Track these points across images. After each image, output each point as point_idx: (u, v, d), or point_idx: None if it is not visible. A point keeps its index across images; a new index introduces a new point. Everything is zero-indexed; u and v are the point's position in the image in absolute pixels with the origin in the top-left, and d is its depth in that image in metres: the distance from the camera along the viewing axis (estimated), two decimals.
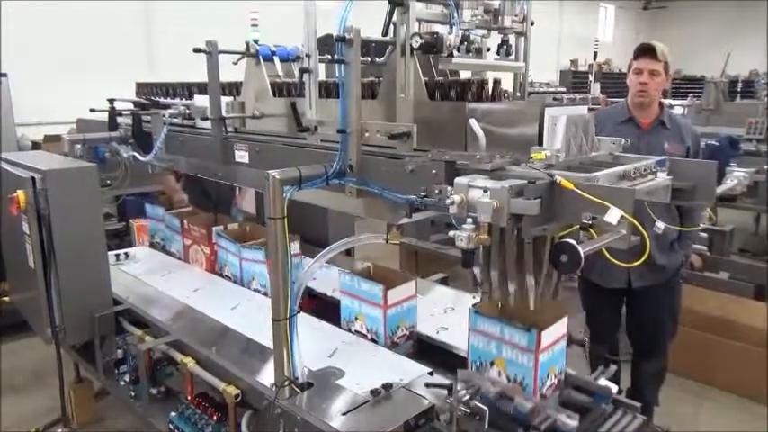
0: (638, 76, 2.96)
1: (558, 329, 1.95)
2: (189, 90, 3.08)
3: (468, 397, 1.79)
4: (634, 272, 3.02)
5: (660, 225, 1.63)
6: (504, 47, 1.96)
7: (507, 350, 1.91)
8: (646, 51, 2.96)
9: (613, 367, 1.99)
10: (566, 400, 1.94)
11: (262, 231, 3.13)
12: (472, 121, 1.69)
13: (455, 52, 1.78)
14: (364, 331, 2.40)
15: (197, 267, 3.37)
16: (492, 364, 1.96)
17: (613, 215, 1.27)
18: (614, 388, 1.90)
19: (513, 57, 2.03)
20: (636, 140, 2.85)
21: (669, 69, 3.02)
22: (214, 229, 3.24)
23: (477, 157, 1.59)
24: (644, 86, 2.94)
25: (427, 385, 1.95)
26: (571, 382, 2.02)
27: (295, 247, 2.81)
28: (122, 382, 2.82)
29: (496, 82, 1.94)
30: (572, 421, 1.74)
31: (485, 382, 1.86)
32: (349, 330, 2.46)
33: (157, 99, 3.24)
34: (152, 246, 3.86)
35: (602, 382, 1.95)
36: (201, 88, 2.78)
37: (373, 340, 2.37)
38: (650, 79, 2.93)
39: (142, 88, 3.57)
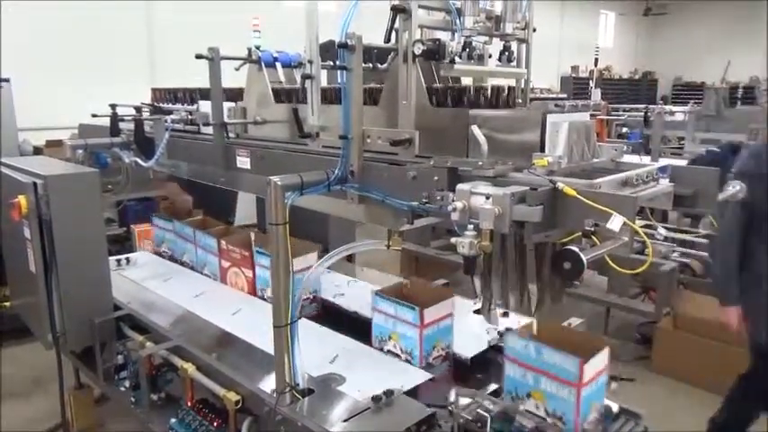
0: None
1: (600, 362, 1.76)
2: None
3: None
4: None
5: (662, 231, 1.63)
6: (506, 53, 1.97)
7: (546, 382, 1.71)
8: None
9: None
10: None
11: (305, 247, 2.71)
12: (474, 128, 1.69)
13: (457, 59, 1.79)
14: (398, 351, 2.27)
15: (202, 276, 3.36)
16: (529, 396, 1.78)
17: (616, 222, 1.27)
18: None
19: (514, 63, 2.04)
20: None
21: None
22: (254, 247, 2.94)
23: (479, 163, 1.59)
24: None
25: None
26: None
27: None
28: (123, 388, 2.81)
29: (499, 89, 1.95)
30: None
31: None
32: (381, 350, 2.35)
33: (161, 105, 3.24)
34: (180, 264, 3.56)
35: None
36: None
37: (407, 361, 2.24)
38: None
39: (158, 93, 3.52)
